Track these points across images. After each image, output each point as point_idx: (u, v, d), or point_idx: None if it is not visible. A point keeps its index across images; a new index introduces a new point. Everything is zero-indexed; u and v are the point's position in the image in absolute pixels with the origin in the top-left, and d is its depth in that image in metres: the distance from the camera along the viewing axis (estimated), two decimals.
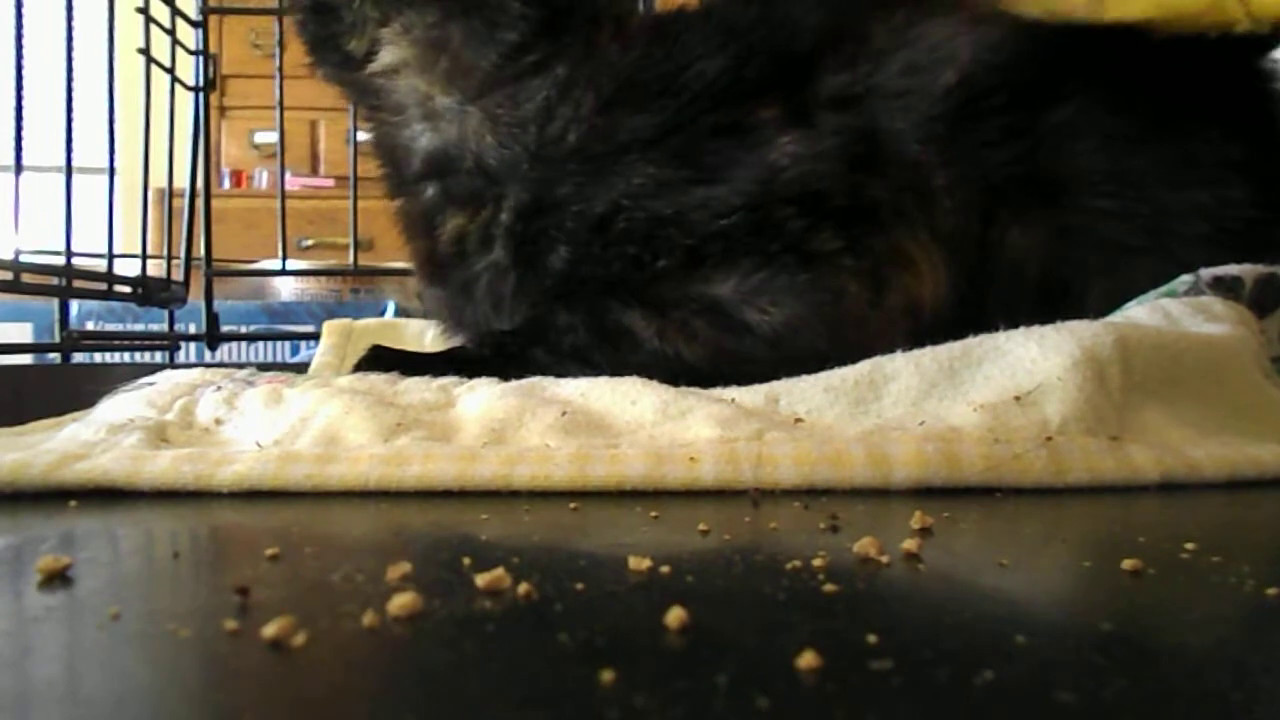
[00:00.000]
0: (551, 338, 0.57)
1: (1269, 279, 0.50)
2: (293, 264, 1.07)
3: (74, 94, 0.76)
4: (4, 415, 0.52)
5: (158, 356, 1.00)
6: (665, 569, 0.26)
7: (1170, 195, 0.54)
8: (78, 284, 0.79)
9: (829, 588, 0.24)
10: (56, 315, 0.80)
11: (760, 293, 0.54)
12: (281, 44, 0.96)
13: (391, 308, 1.41)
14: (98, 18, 0.82)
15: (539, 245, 0.58)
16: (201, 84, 0.97)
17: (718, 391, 0.47)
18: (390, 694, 0.18)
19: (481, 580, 0.24)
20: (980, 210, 0.56)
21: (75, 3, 0.77)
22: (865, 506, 0.36)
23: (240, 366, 0.59)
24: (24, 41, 0.71)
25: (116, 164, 0.85)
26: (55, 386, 0.75)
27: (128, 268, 0.90)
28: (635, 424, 0.43)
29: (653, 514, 0.34)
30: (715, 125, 0.57)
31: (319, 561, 0.28)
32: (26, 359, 0.88)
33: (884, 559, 0.27)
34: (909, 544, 0.28)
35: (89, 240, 0.82)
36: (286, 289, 1.73)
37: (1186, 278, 0.51)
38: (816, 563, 0.26)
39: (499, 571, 0.24)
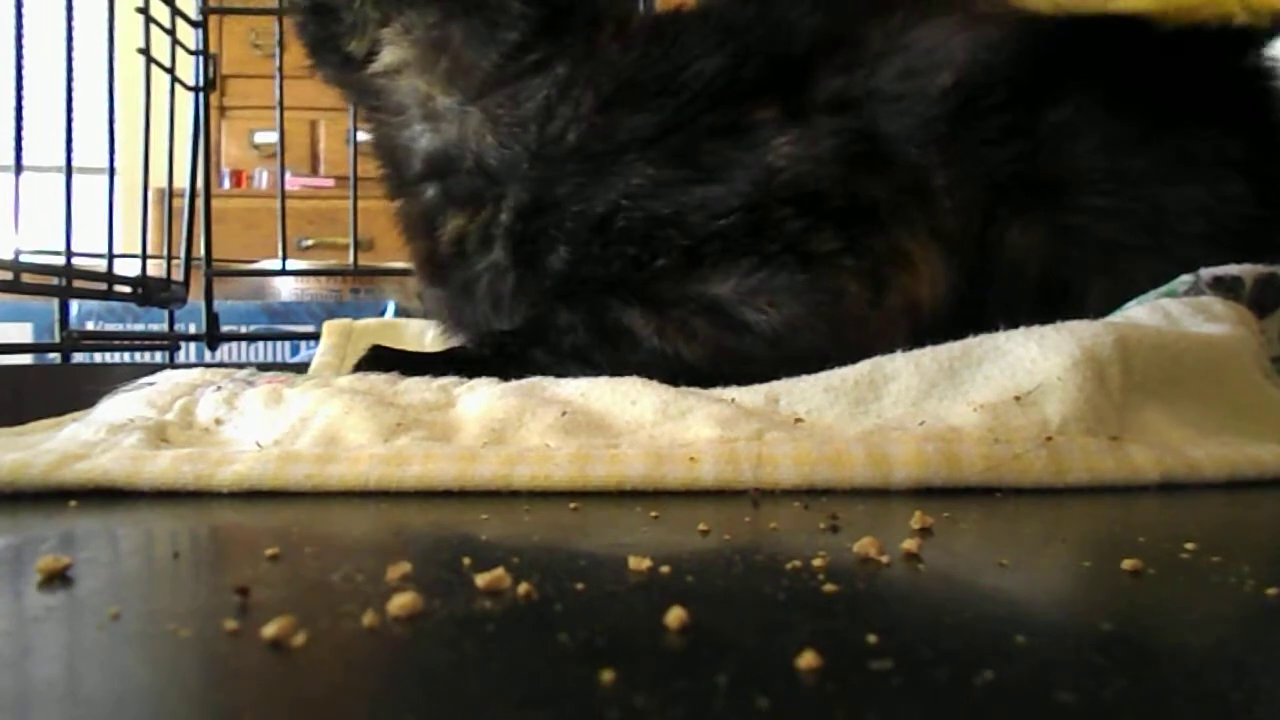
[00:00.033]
0: (551, 337, 0.57)
1: (1269, 279, 0.50)
2: (293, 264, 1.07)
3: (74, 94, 0.76)
4: (4, 415, 0.52)
5: (158, 356, 1.00)
6: (665, 569, 0.26)
7: (1169, 193, 0.54)
8: (78, 284, 0.79)
9: (829, 588, 0.24)
10: (56, 315, 0.80)
11: (759, 293, 0.54)
12: (281, 44, 0.95)
13: (391, 308, 1.41)
14: (98, 18, 0.82)
15: (538, 245, 0.58)
16: (201, 84, 0.97)
17: (718, 391, 0.47)
18: (390, 694, 0.18)
19: (481, 580, 0.24)
20: (980, 210, 0.56)
21: (75, 3, 0.77)
22: (865, 506, 0.36)
23: (240, 366, 0.59)
24: (24, 41, 0.71)
25: (116, 164, 0.85)
26: (55, 386, 0.75)
27: (128, 268, 0.90)
28: (635, 424, 0.43)
29: (653, 514, 0.34)
30: (713, 125, 0.57)
31: (319, 561, 0.28)
32: (26, 359, 0.88)
33: (884, 559, 0.27)
34: (909, 544, 0.28)
35: (89, 240, 0.82)
36: (286, 289, 1.73)
37: (1186, 278, 0.51)
38: (816, 563, 0.26)
39: (499, 571, 0.24)
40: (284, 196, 1.00)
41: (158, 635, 0.21)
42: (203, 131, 0.98)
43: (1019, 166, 0.55)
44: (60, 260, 0.76)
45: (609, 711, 0.17)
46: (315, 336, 0.92)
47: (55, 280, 0.76)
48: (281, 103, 0.98)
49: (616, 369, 0.51)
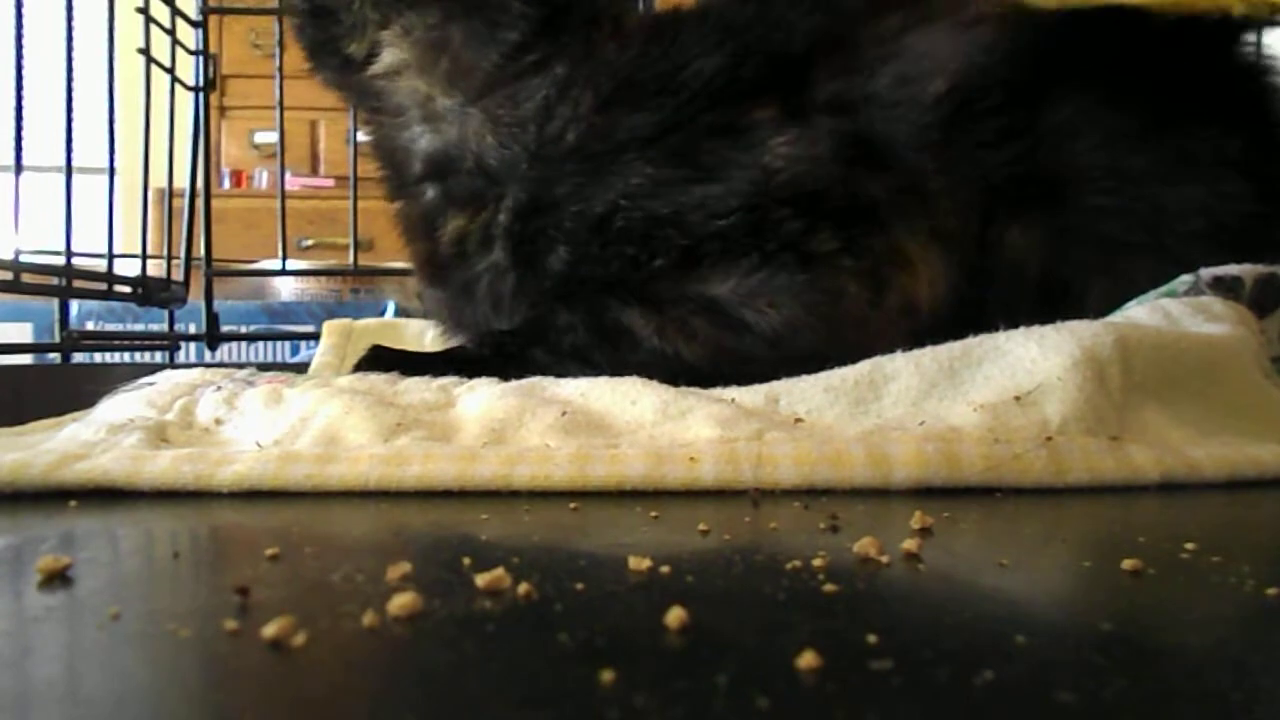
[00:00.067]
0: (551, 337, 0.57)
1: (1269, 279, 0.50)
2: (293, 264, 1.07)
3: (74, 94, 0.76)
4: (4, 415, 0.52)
5: (158, 356, 1.00)
6: (665, 569, 0.26)
7: (1169, 192, 0.54)
8: (78, 284, 0.79)
9: (829, 588, 0.24)
10: (56, 315, 0.80)
11: (759, 294, 0.54)
12: (281, 44, 0.95)
13: (391, 308, 1.41)
14: (98, 18, 0.82)
15: (538, 245, 0.58)
16: (201, 84, 0.97)
17: (718, 391, 0.47)
18: (390, 694, 0.18)
19: (481, 580, 0.24)
20: (980, 210, 0.56)
21: (75, 3, 0.77)
22: (865, 506, 0.36)
23: (240, 366, 0.59)
24: (24, 41, 0.71)
25: (116, 164, 0.85)
26: (55, 386, 0.75)
27: (128, 268, 0.90)
28: (635, 424, 0.43)
29: (653, 514, 0.34)
30: (712, 125, 0.57)
31: (319, 561, 0.28)
32: (26, 359, 0.88)
33: (884, 559, 0.27)
34: (909, 544, 0.28)
35: (89, 240, 0.82)
36: (286, 289, 1.73)
37: (1186, 277, 0.51)
38: (816, 563, 0.26)
39: (499, 571, 0.24)
40: (284, 196, 1.00)
41: (158, 635, 0.21)
42: (203, 131, 0.98)
43: (1017, 167, 0.55)
44: (60, 260, 0.76)
45: (609, 711, 0.17)
46: (315, 336, 0.92)
47: (55, 280, 0.76)
48: (281, 103, 0.98)
49: (616, 369, 0.51)
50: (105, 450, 0.41)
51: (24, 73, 0.70)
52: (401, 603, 0.22)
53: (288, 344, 1.32)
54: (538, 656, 0.20)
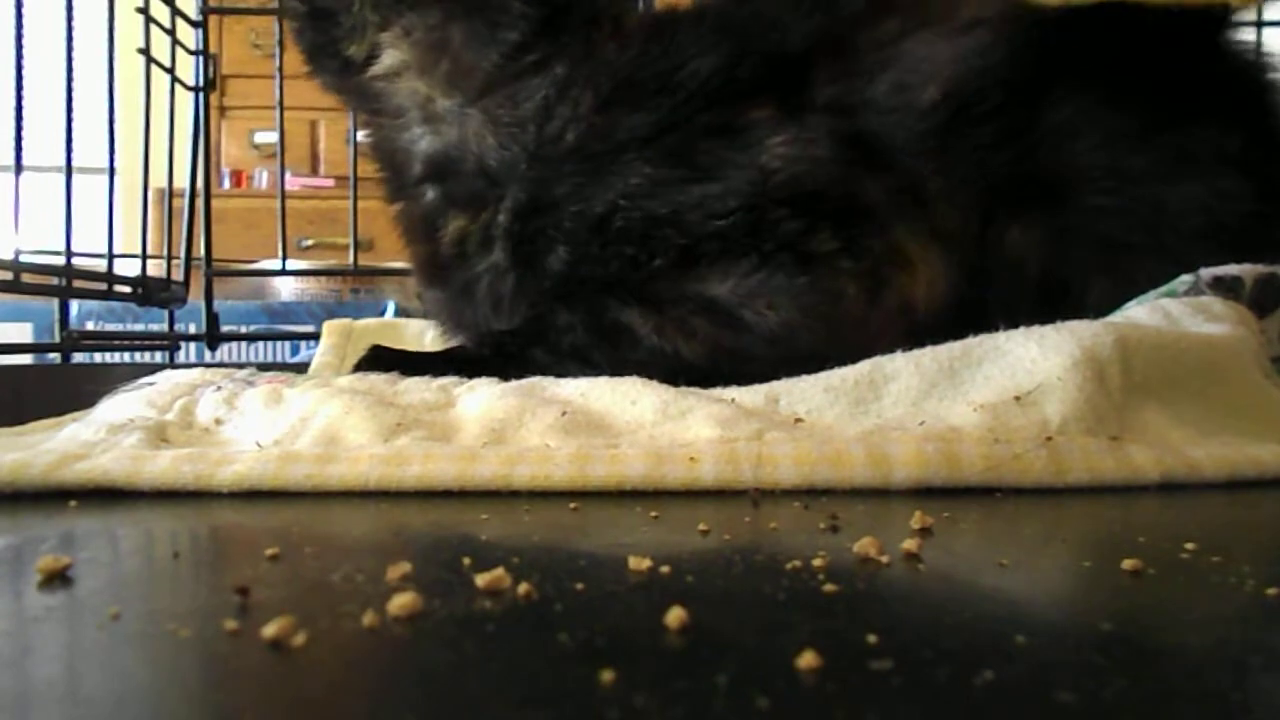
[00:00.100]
0: (551, 337, 0.57)
1: (1269, 279, 0.50)
2: (293, 264, 1.07)
3: (74, 94, 0.76)
4: (4, 415, 0.52)
5: (158, 356, 1.00)
6: (665, 569, 0.26)
7: (1168, 191, 0.54)
8: (78, 284, 0.79)
9: (829, 588, 0.24)
10: (56, 315, 0.80)
11: (757, 294, 0.54)
12: (281, 44, 0.95)
13: (391, 308, 1.41)
14: (98, 18, 0.82)
15: (537, 246, 0.58)
16: (201, 84, 0.97)
17: (718, 391, 0.47)
18: (390, 694, 0.18)
19: (481, 580, 0.24)
20: (979, 210, 0.56)
21: (75, 3, 0.77)
22: (865, 506, 0.36)
23: (240, 366, 0.58)
24: (24, 41, 0.71)
25: (116, 164, 0.85)
26: (55, 386, 0.75)
27: (128, 268, 0.90)
28: (635, 424, 0.43)
29: (653, 514, 0.34)
30: (709, 125, 0.57)
31: (319, 561, 0.28)
32: (26, 359, 0.88)
33: (884, 559, 0.27)
34: (909, 544, 0.28)
35: (89, 240, 0.82)
36: (286, 289, 1.73)
37: (1186, 277, 0.51)
38: (816, 563, 0.26)
39: (499, 571, 0.24)
40: (284, 196, 1.00)
41: (158, 635, 0.21)
42: (203, 131, 0.98)
43: (1017, 168, 0.55)
44: (60, 260, 0.76)
45: (609, 711, 0.17)
46: (315, 336, 0.92)
47: (55, 280, 0.76)
48: (281, 103, 0.98)
49: (616, 368, 0.51)
50: (105, 450, 0.41)
51: (24, 73, 0.70)
52: (401, 603, 0.22)
53: (288, 344, 1.32)
54: (538, 656, 0.20)
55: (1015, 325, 0.45)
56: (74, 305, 0.84)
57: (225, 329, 1.02)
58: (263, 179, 2.55)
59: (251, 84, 2.42)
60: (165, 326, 0.99)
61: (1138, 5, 0.58)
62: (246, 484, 0.38)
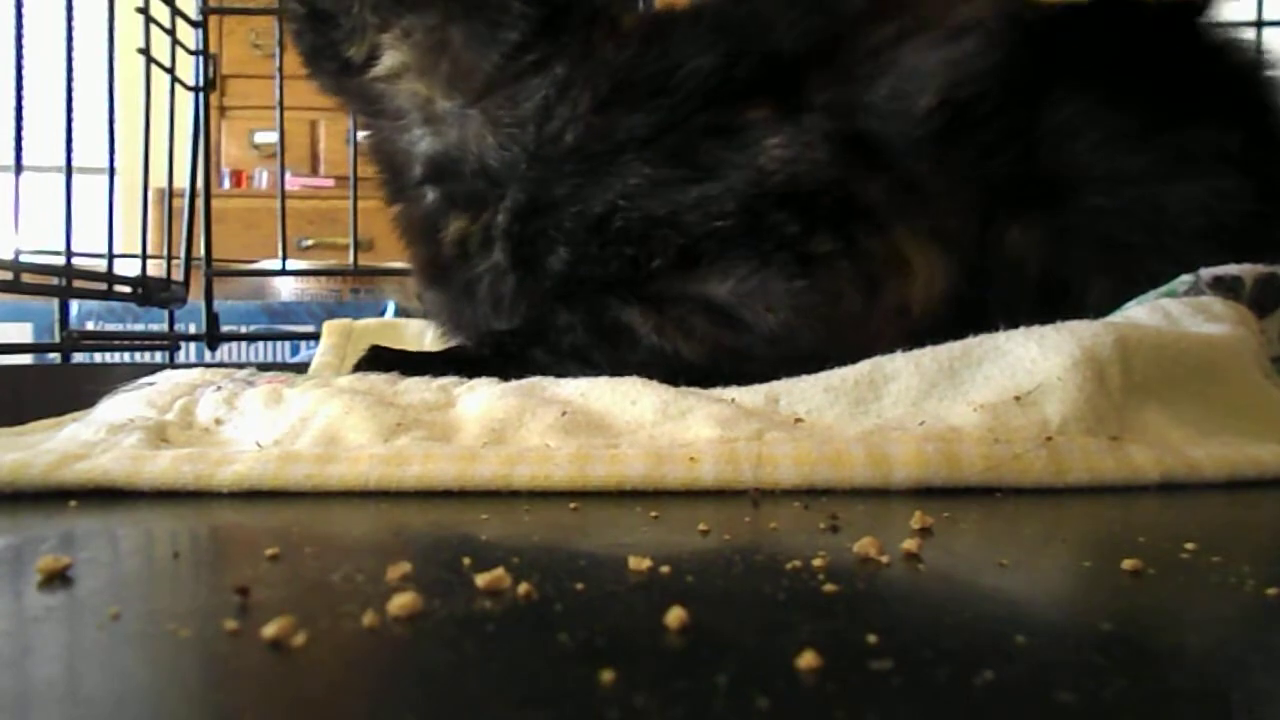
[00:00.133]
0: (551, 337, 0.57)
1: (1269, 279, 0.50)
2: (293, 264, 1.07)
3: (74, 94, 0.76)
4: (4, 415, 0.52)
5: (158, 356, 1.00)
6: (665, 569, 0.26)
7: (1168, 191, 0.54)
8: (78, 284, 0.79)
9: (829, 588, 0.24)
10: (56, 315, 0.80)
11: (756, 296, 0.54)
12: (281, 44, 0.95)
13: (391, 308, 1.41)
14: (98, 18, 0.82)
15: (537, 247, 0.58)
16: (201, 84, 0.97)
17: (718, 391, 0.47)
18: (390, 694, 0.18)
19: (481, 580, 0.24)
20: (979, 210, 0.56)
21: (75, 3, 0.77)
22: (865, 506, 0.36)
23: (240, 366, 0.58)
24: (24, 41, 0.71)
25: (116, 164, 0.85)
26: (55, 386, 0.75)
27: (128, 268, 0.90)
28: (635, 424, 0.43)
29: (653, 514, 0.34)
30: (708, 125, 0.57)
31: (319, 561, 0.28)
32: (26, 359, 0.88)
33: (884, 559, 0.27)
34: (909, 544, 0.28)
35: (89, 240, 0.82)
36: (286, 289, 1.73)
37: (1186, 277, 0.51)
38: (816, 563, 0.26)
39: (499, 571, 0.24)
40: (284, 196, 1.00)
41: (158, 635, 0.21)
42: (203, 131, 0.98)
43: (1016, 169, 0.55)
44: (60, 260, 0.76)
45: (609, 711, 0.17)
46: (315, 336, 0.92)
47: (55, 280, 0.76)
48: (281, 103, 0.98)
49: (616, 368, 0.51)
50: (105, 450, 0.41)
51: (24, 73, 0.70)
52: (401, 603, 0.22)
53: (288, 344, 1.32)
54: (538, 656, 0.20)
55: (1015, 325, 0.45)
56: (74, 305, 0.85)
57: (225, 329, 1.02)
58: (263, 179, 2.55)
59: (251, 84, 2.42)
60: (165, 326, 0.99)
61: (1134, 3, 0.58)
62: (246, 484, 0.38)
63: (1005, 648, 0.20)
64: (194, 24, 0.97)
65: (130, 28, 0.87)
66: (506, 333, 0.59)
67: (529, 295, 0.59)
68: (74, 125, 0.76)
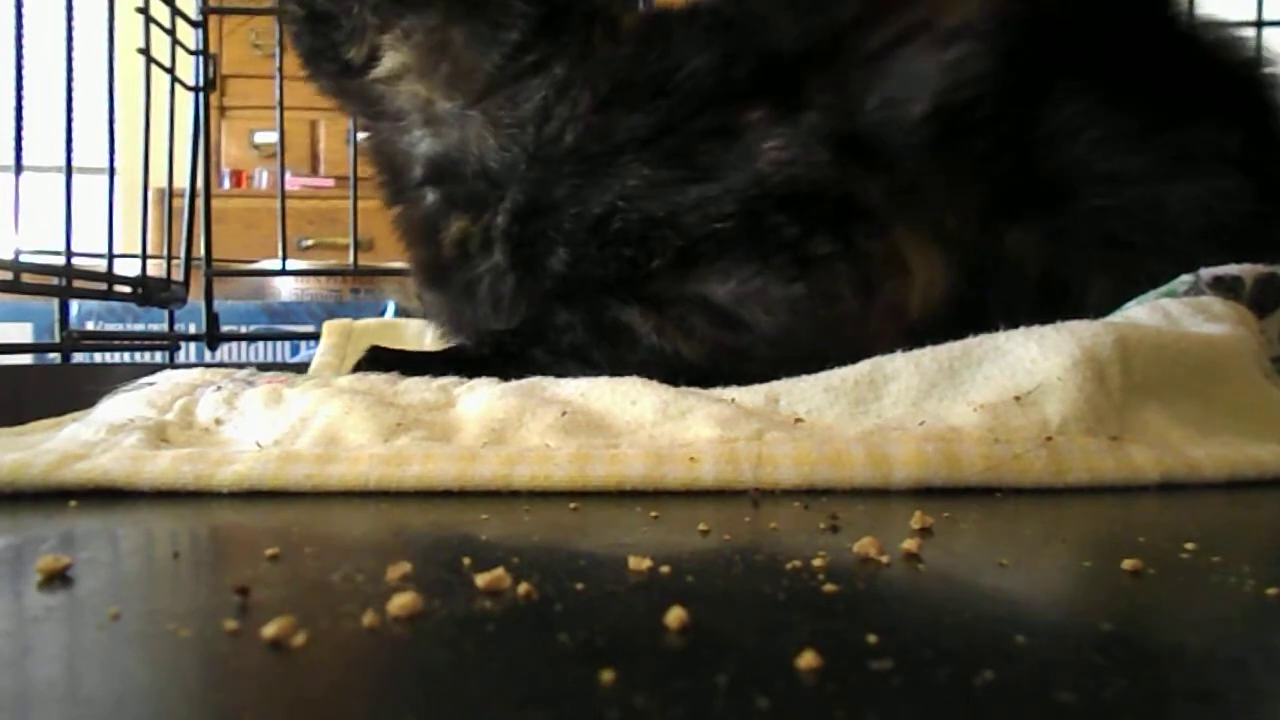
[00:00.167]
0: (551, 337, 0.57)
1: (1269, 279, 0.50)
2: (293, 264, 1.07)
3: (74, 94, 0.76)
4: (4, 415, 0.52)
5: (158, 356, 1.00)
6: (665, 569, 0.26)
7: (1168, 191, 0.54)
8: (78, 284, 0.79)
9: (829, 588, 0.24)
10: (56, 315, 0.80)
11: (756, 299, 0.54)
12: (281, 44, 0.95)
13: (391, 308, 1.41)
14: (98, 18, 0.82)
15: (537, 248, 0.58)
16: (201, 84, 0.97)
17: (718, 391, 0.47)
18: (390, 694, 0.18)
19: (481, 580, 0.24)
20: (978, 212, 0.56)
21: (75, 3, 0.77)
22: (865, 506, 0.36)
23: (240, 366, 0.58)
24: (24, 41, 0.71)
25: (116, 164, 0.85)
26: (55, 386, 0.75)
27: (128, 268, 0.90)
28: (635, 424, 0.43)
29: (653, 514, 0.34)
30: (706, 126, 0.57)
31: (319, 561, 0.28)
32: (26, 359, 0.88)
33: (884, 559, 0.27)
34: (909, 544, 0.28)
35: (89, 240, 0.82)
36: (286, 289, 1.73)
37: (1186, 277, 0.51)
38: (816, 563, 0.26)
39: (499, 571, 0.24)
40: (284, 196, 1.00)
41: (158, 635, 0.21)
42: (203, 131, 0.98)
43: (1015, 170, 0.55)
44: (60, 260, 0.76)
45: (609, 711, 0.17)
46: (315, 336, 0.92)
47: (55, 280, 0.76)
48: (281, 103, 0.98)
49: (615, 367, 0.51)
50: (105, 450, 0.41)
51: (24, 73, 0.70)
52: (401, 603, 0.22)
53: (288, 344, 1.32)
54: (538, 656, 0.20)
55: (1015, 325, 0.45)
56: (74, 305, 0.84)
57: (225, 329, 1.02)
58: (263, 179, 2.55)
59: (251, 84, 2.42)
60: (165, 326, 0.99)
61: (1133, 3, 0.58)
62: (246, 484, 0.38)
63: (1005, 648, 0.20)
64: (194, 24, 0.97)
65: (130, 28, 0.87)
66: (506, 332, 0.59)
67: (529, 296, 0.59)
68: (74, 125, 0.76)
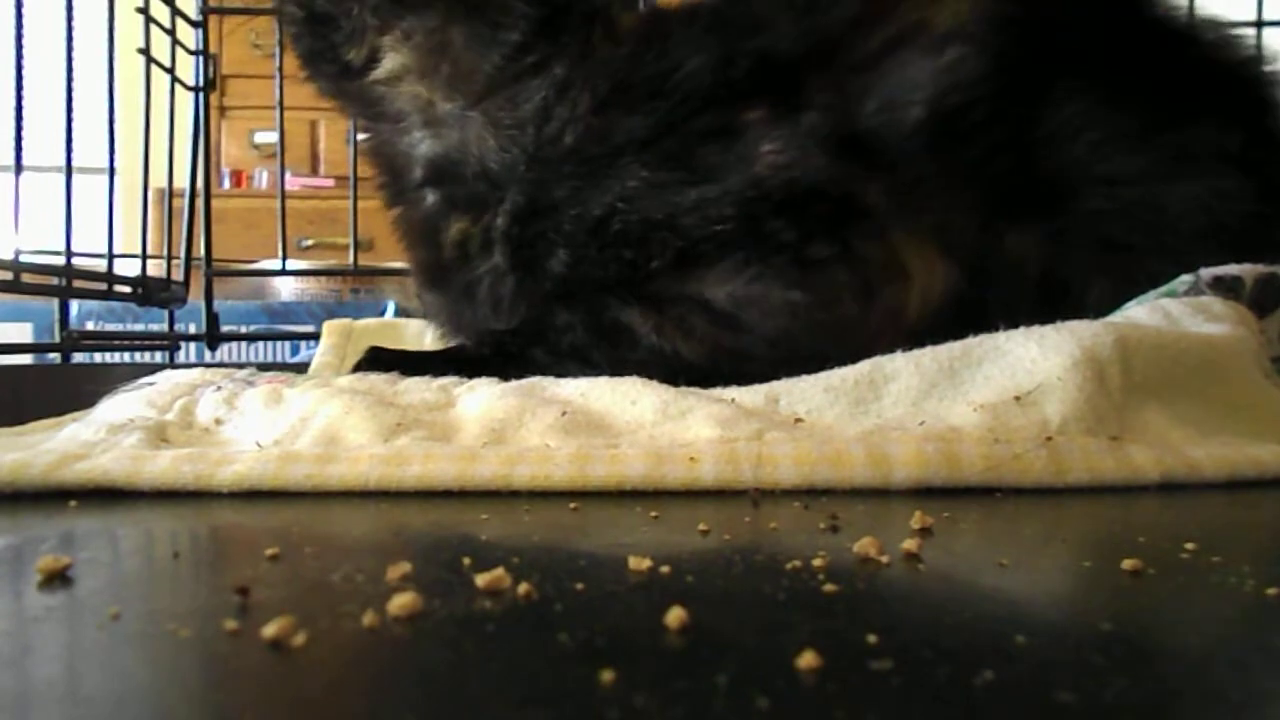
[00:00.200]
0: (551, 337, 0.57)
1: (1269, 279, 0.50)
2: (293, 264, 1.07)
3: (74, 94, 0.76)
4: (4, 415, 0.52)
5: (158, 356, 1.00)
6: (665, 569, 0.26)
7: (1168, 191, 0.54)
8: (78, 284, 0.79)
9: (829, 588, 0.24)
10: (56, 315, 0.80)
11: (755, 301, 0.54)
12: (281, 44, 0.95)
13: (391, 308, 1.41)
14: (98, 18, 0.82)
15: (537, 249, 0.58)
16: (201, 84, 0.97)
17: (718, 391, 0.47)
18: (390, 694, 0.18)
19: (481, 580, 0.24)
20: (978, 213, 0.56)
21: (75, 3, 0.77)
22: (865, 506, 0.36)
23: (240, 366, 0.58)
24: (24, 41, 0.71)
25: (116, 164, 0.85)
26: (55, 386, 0.75)
27: (128, 268, 0.90)
28: (635, 424, 0.43)
29: (653, 514, 0.34)
30: (705, 127, 0.57)
31: (319, 561, 0.28)
32: (26, 359, 0.88)
33: (884, 559, 0.27)
34: (909, 544, 0.28)
35: (89, 240, 0.82)
36: (286, 289, 1.73)
37: (1186, 277, 0.51)
38: (816, 563, 0.26)
39: (499, 571, 0.24)
40: (284, 196, 1.00)
41: (158, 635, 0.21)
42: (203, 131, 0.98)
43: (1014, 171, 0.55)
44: (60, 260, 0.76)
45: (609, 711, 0.17)
46: (315, 336, 0.92)
47: (55, 280, 0.76)
48: (281, 103, 0.98)
49: (615, 367, 0.51)
50: (105, 450, 0.41)
51: (24, 73, 0.70)
52: (401, 603, 0.22)
53: (288, 344, 1.32)
54: (538, 656, 0.20)
55: (1015, 325, 0.45)
56: (74, 305, 0.84)
57: (225, 329, 1.02)
58: (263, 179, 2.55)
59: (251, 84, 2.41)
60: (165, 326, 0.99)
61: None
62: (246, 484, 0.38)
63: (1005, 648, 0.20)
64: (194, 24, 0.97)
65: (130, 28, 0.87)
66: (506, 332, 0.59)
67: (529, 297, 0.59)
68: (74, 125, 0.76)
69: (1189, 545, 0.28)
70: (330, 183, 2.47)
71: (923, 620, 0.23)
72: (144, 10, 0.88)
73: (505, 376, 0.51)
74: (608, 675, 0.18)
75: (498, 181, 0.61)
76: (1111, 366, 0.42)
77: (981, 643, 0.21)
